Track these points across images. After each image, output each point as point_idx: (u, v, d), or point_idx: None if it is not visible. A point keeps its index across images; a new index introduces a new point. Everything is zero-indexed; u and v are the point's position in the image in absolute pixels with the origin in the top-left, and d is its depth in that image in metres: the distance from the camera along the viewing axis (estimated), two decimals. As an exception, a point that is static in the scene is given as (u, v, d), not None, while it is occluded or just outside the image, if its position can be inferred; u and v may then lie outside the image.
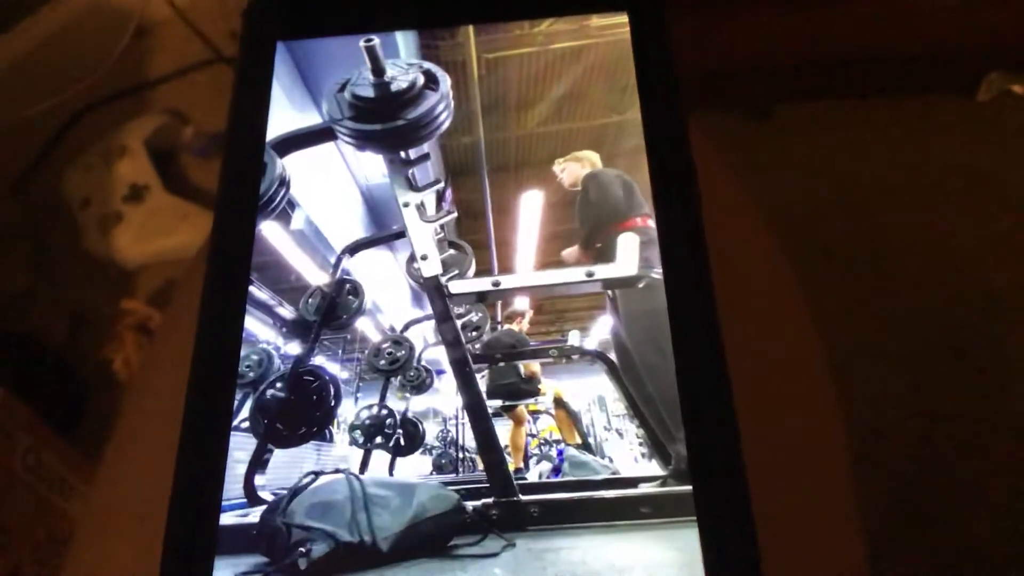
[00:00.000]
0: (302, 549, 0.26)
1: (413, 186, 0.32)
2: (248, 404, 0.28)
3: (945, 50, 1.12)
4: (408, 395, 0.31)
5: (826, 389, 0.96)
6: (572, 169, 0.33)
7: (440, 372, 0.31)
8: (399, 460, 0.30)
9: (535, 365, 0.31)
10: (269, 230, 0.30)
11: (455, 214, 0.32)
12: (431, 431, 0.31)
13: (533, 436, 0.31)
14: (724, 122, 1.21)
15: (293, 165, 0.32)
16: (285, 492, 0.27)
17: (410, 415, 0.30)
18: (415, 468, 0.30)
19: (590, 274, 0.29)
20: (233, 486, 0.26)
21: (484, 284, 0.30)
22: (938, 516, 0.92)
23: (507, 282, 0.30)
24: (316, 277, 0.32)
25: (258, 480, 0.27)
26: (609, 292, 0.30)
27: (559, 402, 0.31)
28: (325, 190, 0.33)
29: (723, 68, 1.19)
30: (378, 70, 0.33)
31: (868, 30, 1.13)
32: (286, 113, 0.33)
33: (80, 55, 1.13)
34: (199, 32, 1.10)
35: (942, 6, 1.06)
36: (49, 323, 1.06)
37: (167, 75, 1.14)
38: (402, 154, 0.32)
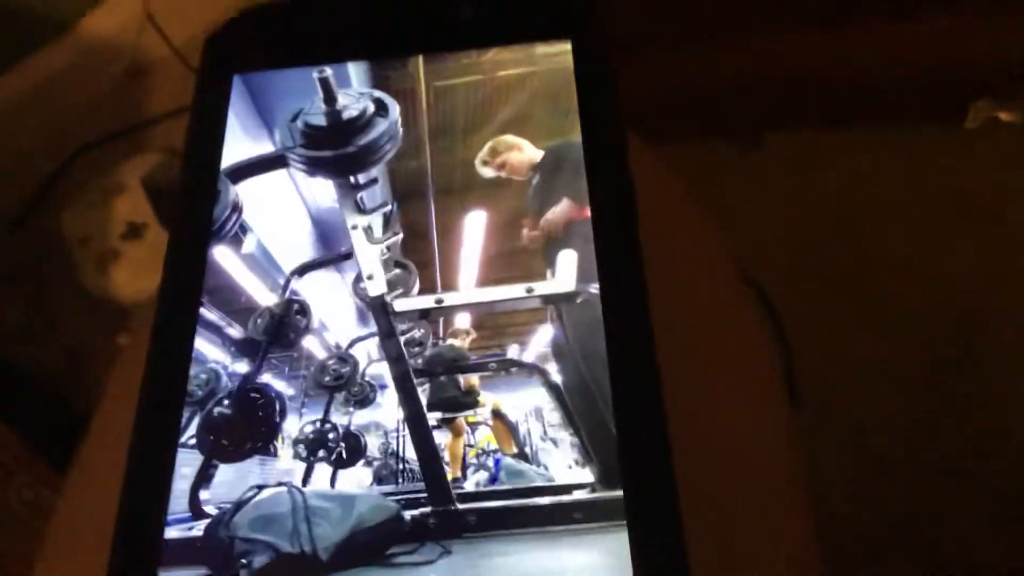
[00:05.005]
0: (243, 561, 0.27)
1: (361, 209, 0.33)
2: (196, 421, 0.29)
3: (933, 78, 1.14)
4: (352, 409, 0.32)
5: (813, 406, 0.96)
6: (517, 160, 0.34)
7: (383, 387, 0.32)
8: (341, 472, 0.31)
9: (474, 378, 0.32)
10: (221, 254, 0.31)
11: (401, 235, 0.33)
12: (373, 444, 0.31)
13: (471, 446, 0.31)
14: (717, 150, 1.22)
15: (246, 191, 0.33)
16: (229, 506, 0.28)
17: (353, 429, 0.31)
18: (357, 480, 0.31)
19: (530, 290, 0.30)
20: (179, 501, 0.27)
21: (428, 302, 0.31)
22: (925, 532, 0.91)
23: (450, 299, 0.31)
24: (265, 298, 0.33)
25: (203, 495, 0.28)
26: (552, 307, 0.31)
27: (497, 413, 0.32)
28: (276, 214, 0.35)
29: (715, 97, 1.21)
30: (330, 99, 0.34)
31: (857, 59, 1.14)
32: (241, 142, 0.34)
33: (77, 95, 1.15)
34: (195, 71, 1.13)
35: (930, 35, 1.07)
36: (47, 359, 1.08)
37: (164, 114, 1.17)
38: (351, 179, 0.33)
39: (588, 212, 0.30)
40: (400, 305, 0.32)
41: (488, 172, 0.34)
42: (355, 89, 0.35)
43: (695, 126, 1.19)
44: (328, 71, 0.35)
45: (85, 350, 1.06)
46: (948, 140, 1.15)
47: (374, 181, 0.34)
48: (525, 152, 0.35)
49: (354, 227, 0.33)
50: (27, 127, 1.14)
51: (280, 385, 0.31)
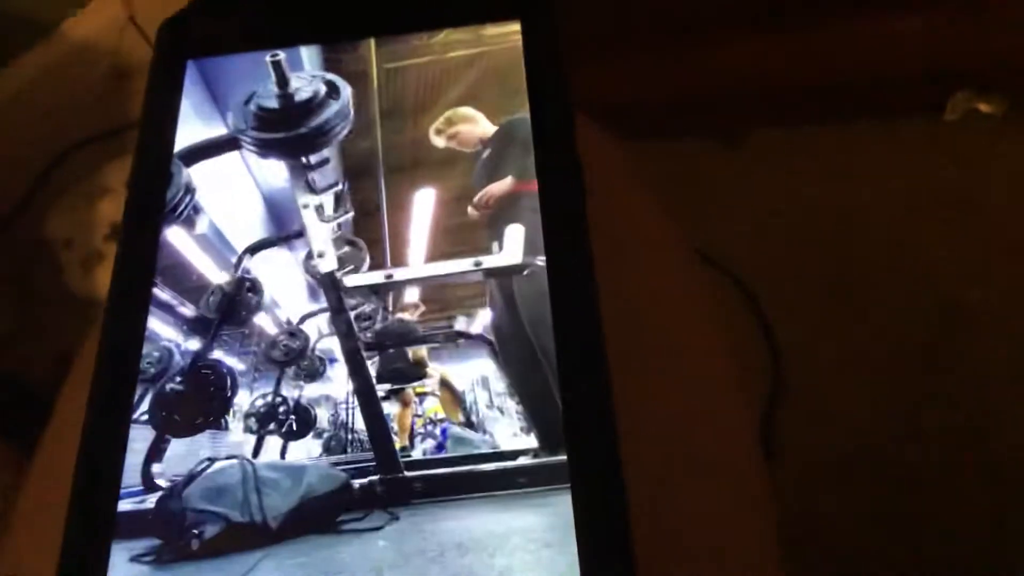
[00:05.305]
0: (195, 531, 0.27)
1: (312, 189, 0.33)
2: (148, 398, 0.29)
3: (912, 71, 1.15)
4: (302, 383, 0.32)
5: (797, 408, 0.97)
6: (468, 132, 0.35)
7: (333, 361, 0.32)
8: (291, 444, 0.31)
9: (423, 350, 0.33)
10: (174, 235, 0.32)
11: (352, 213, 0.33)
12: (323, 416, 0.32)
13: (419, 416, 0.32)
14: (697, 148, 1.23)
15: (199, 174, 0.34)
16: (181, 478, 0.28)
17: (303, 402, 0.32)
18: (307, 451, 0.31)
19: (478, 264, 0.31)
20: (132, 475, 0.28)
21: (377, 277, 0.32)
22: (914, 529, 0.92)
23: (399, 274, 0.32)
24: (217, 277, 0.33)
25: (155, 468, 0.29)
26: (499, 279, 0.32)
27: (444, 384, 0.33)
28: (229, 196, 0.35)
29: (696, 95, 1.22)
30: (283, 83, 0.35)
31: (837, 55, 1.15)
32: (194, 125, 0.35)
33: (60, 98, 1.16)
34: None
35: (908, 28, 1.08)
36: (33, 362, 1.08)
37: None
38: (303, 159, 0.34)
39: (530, 186, 0.31)
40: (350, 281, 0.32)
41: (440, 141, 0.35)
42: (307, 72, 0.36)
43: (677, 123, 1.20)
44: (281, 55, 0.35)
45: (72, 353, 1.06)
46: (928, 132, 1.16)
47: (325, 161, 0.35)
48: (479, 126, 0.35)
49: (305, 206, 0.34)
50: (10, 131, 1.14)
51: (231, 361, 0.31)
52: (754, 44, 1.13)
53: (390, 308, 0.33)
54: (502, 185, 0.33)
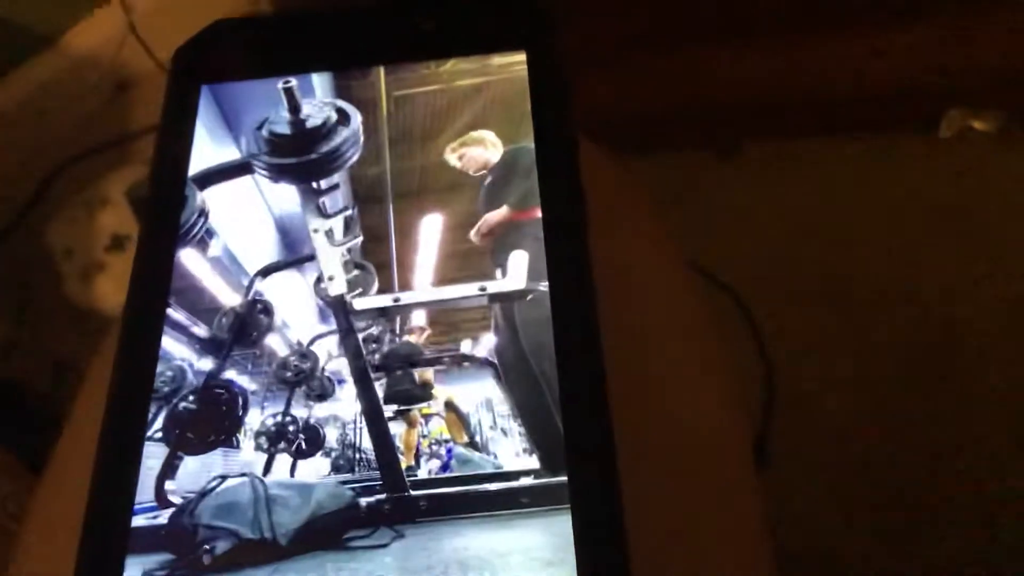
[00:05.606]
0: (206, 547, 0.28)
1: (323, 213, 0.34)
2: (162, 416, 0.30)
3: (906, 88, 1.16)
4: (312, 403, 0.33)
5: (792, 419, 0.98)
6: (474, 155, 0.35)
7: (342, 382, 0.33)
8: (300, 462, 0.32)
9: (429, 372, 0.33)
10: (188, 257, 0.33)
11: (361, 238, 0.34)
12: (331, 435, 0.33)
13: (425, 436, 0.33)
14: (692, 161, 1.24)
15: (212, 197, 0.35)
16: (193, 495, 0.29)
17: (312, 421, 0.33)
18: (315, 469, 0.32)
19: (483, 288, 0.32)
20: (146, 491, 0.29)
21: (385, 300, 0.33)
22: (909, 537, 0.93)
23: (406, 298, 0.32)
24: (230, 298, 0.34)
25: (168, 485, 0.29)
26: (503, 304, 0.32)
27: (450, 405, 0.34)
28: (241, 219, 0.36)
29: (693, 107, 1.23)
30: (294, 109, 0.36)
31: (833, 70, 1.16)
32: (208, 149, 0.36)
33: (62, 108, 1.16)
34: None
35: (903, 46, 1.09)
36: (32, 371, 1.08)
37: (147, 127, 1.18)
38: (314, 184, 0.35)
39: (524, 215, 0.32)
40: (359, 304, 0.33)
41: (452, 160, 0.36)
42: (319, 99, 0.37)
43: (671, 136, 1.21)
44: (293, 82, 0.36)
45: (71, 362, 1.07)
46: (923, 150, 1.17)
47: (335, 186, 0.36)
48: (487, 150, 0.36)
49: (316, 230, 0.35)
50: (11, 141, 1.15)
51: (243, 380, 0.32)
52: (748, 58, 1.14)
53: (397, 331, 0.33)
54: (497, 214, 0.34)
